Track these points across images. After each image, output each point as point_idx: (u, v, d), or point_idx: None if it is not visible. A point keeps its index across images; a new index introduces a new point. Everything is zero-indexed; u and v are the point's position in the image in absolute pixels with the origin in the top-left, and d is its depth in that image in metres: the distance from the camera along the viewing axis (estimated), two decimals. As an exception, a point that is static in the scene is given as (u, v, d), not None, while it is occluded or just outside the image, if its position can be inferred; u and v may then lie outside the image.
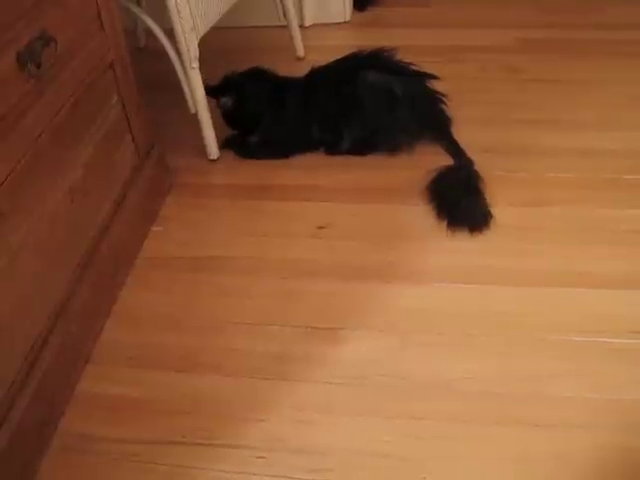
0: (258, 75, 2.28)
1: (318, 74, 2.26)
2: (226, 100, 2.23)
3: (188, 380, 1.61)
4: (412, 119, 2.18)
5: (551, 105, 2.41)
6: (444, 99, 2.22)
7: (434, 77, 2.20)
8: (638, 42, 2.73)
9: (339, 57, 2.26)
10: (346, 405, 1.53)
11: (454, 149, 2.15)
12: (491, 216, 1.94)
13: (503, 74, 2.60)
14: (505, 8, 3.03)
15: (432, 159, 2.14)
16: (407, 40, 2.66)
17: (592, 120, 2.32)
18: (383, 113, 2.15)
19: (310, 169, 2.21)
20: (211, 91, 2.22)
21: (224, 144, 2.31)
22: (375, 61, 2.21)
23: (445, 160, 2.12)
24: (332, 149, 2.24)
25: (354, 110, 2.16)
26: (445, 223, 1.95)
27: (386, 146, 2.21)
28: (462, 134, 2.19)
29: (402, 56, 2.21)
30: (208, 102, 2.20)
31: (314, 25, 3.04)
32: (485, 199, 1.98)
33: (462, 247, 1.88)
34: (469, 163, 2.10)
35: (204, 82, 2.16)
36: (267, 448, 1.46)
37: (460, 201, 2.00)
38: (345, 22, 3.06)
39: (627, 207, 1.96)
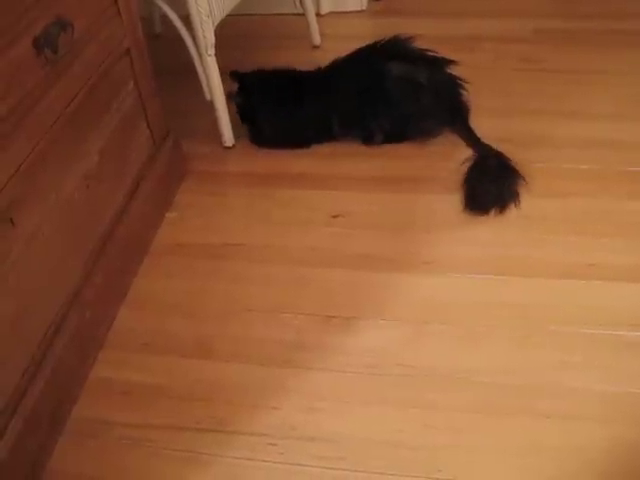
0: (273, 72, 2.28)
1: (339, 68, 2.24)
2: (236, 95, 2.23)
3: (202, 367, 1.62)
4: (437, 105, 2.18)
5: (568, 96, 2.39)
6: (464, 84, 2.21)
7: (453, 62, 2.20)
8: (657, 33, 2.71)
9: (357, 48, 2.24)
10: (359, 394, 1.53)
11: (472, 137, 2.15)
12: (518, 196, 1.96)
13: (519, 64, 2.58)
14: (522, -3, 3.02)
15: (449, 149, 2.14)
16: (423, 29, 2.63)
17: (609, 111, 2.30)
18: (411, 103, 2.15)
19: (326, 158, 2.21)
20: (236, 77, 2.23)
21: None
22: (394, 51, 2.20)
23: (464, 149, 2.12)
24: (367, 141, 2.23)
25: (381, 103, 2.16)
26: (471, 206, 1.96)
27: (416, 134, 2.20)
28: (478, 124, 2.18)
29: (418, 44, 2.20)
30: (224, 89, 2.19)
31: (330, 13, 3.03)
32: (519, 180, 2.01)
33: (477, 238, 1.87)
34: (490, 149, 2.09)
35: (221, 70, 2.16)
36: (279, 436, 1.46)
37: (492, 183, 2.01)
38: (361, 10, 3.04)
39: (642, 199, 1.96)
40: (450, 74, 2.20)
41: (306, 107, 2.23)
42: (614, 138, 2.17)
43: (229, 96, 2.22)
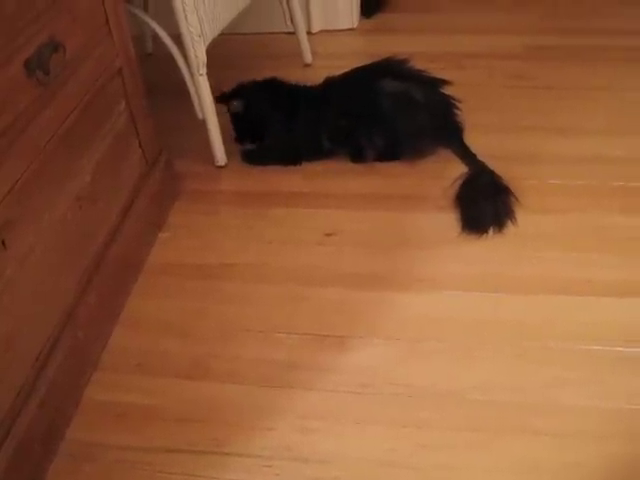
0: (271, 83, 2.28)
1: (332, 85, 2.25)
2: (237, 104, 2.22)
3: (196, 388, 1.61)
4: (432, 124, 2.18)
5: (558, 112, 2.40)
6: (458, 104, 2.22)
7: (447, 82, 2.20)
8: (642, 48, 2.73)
9: (352, 68, 2.25)
10: (353, 413, 1.53)
11: (468, 155, 2.15)
12: (513, 214, 1.97)
13: (510, 81, 2.60)
14: (512, 14, 3.03)
15: (441, 167, 2.15)
16: (414, 46, 2.66)
17: (600, 127, 2.31)
18: (405, 120, 2.15)
19: (318, 176, 2.21)
20: (223, 98, 2.23)
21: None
22: (389, 69, 2.21)
23: (456, 166, 2.12)
24: (357, 159, 2.24)
25: (374, 121, 2.16)
26: (470, 227, 1.96)
27: (410, 153, 2.21)
28: (469, 141, 2.19)
29: (413, 65, 2.21)
30: (216, 108, 2.19)
31: (321, 31, 3.04)
32: (512, 198, 2.01)
33: (471, 255, 1.87)
34: (485, 167, 2.10)
35: (213, 89, 2.16)
36: (274, 457, 1.45)
37: (488, 201, 2.01)
38: (352, 28, 3.06)
39: (633, 214, 1.95)
40: (444, 94, 2.20)
41: (297, 122, 2.23)
42: (606, 153, 2.18)
43: (229, 108, 2.23)
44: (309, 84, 2.29)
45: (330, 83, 2.26)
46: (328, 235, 1.98)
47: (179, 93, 2.22)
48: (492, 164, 2.09)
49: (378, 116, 2.15)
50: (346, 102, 2.20)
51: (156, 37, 2.28)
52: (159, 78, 2.30)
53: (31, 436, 1.40)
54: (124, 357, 1.69)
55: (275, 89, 2.28)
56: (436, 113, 2.19)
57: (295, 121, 2.23)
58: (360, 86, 2.20)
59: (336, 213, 2.06)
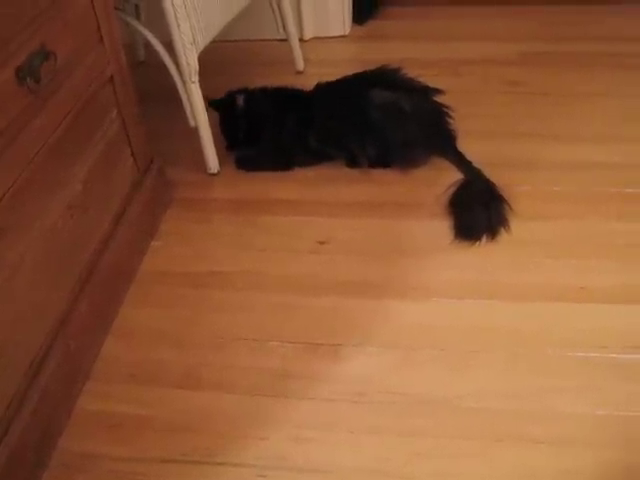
0: (263, 89, 2.29)
1: (323, 90, 2.26)
2: (240, 97, 2.23)
3: (189, 397, 1.60)
4: (423, 134, 2.17)
5: (552, 118, 2.40)
6: (450, 113, 2.21)
7: (440, 91, 2.20)
8: (638, 55, 2.73)
9: (345, 76, 2.26)
10: (347, 422, 1.52)
11: (463, 162, 2.14)
12: (507, 222, 1.96)
13: (506, 87, 2.59)
14: (505, 21, 3.02)
15: (435, 174, 2.14)
16: (407, 53, 2.66)
17: (593, 133, 2.31)
18: (393, 130, 2.15)
19: (311, 183, 2.20)
20: (214, 104, 2.23)
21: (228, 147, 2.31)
22: (381, 78, 2.21)
23: (449, 174, 2.11)
24: (351, 164, 2.24)
25: (365, 130, 2.16)
26: (462, 235, 1.95)
27: (401, 162, 2.20)
28: (464, 147, 2.18)
29: (406, 73, 2.21)
30: (208, 116, 2.19)
31: (314, 39, 3.04)
32: (505, 205, 2.00)
33: (465, 262, 1.87)
34: (480, 174, 2.09)
35: (204, 95, 2.16)
36: (268, 466, 1.45)
37: (481, 209, 2.00)
38: (344, 35, 3.05)
39: (629, 220, 1.95)
40: (436, 102, 2.20)
41: (287, 123, 2.23)
42: (603, 160, 2.18)
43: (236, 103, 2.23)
44: (300, 88, 2.30)
45: (321, 88, 2.27)
46: (321, 243, 1.97)
47: (171, 100, 2.21)
48: (488, 170, 2.08)
49: (368, 125, 2.15)
50: (335, 107, 2.20)
51: (148, 45, 2.27)
52: (151, 86, 2.29)
53: (24, 444, 1.39)
54: (116, 367, 1.68)
55: (269, 92, 2.28)
56: (427, 122, 2.19)
57: (285, 123, 2.22)
58: (350, 95, 2.20)
59: (329, 221, 2.05)
